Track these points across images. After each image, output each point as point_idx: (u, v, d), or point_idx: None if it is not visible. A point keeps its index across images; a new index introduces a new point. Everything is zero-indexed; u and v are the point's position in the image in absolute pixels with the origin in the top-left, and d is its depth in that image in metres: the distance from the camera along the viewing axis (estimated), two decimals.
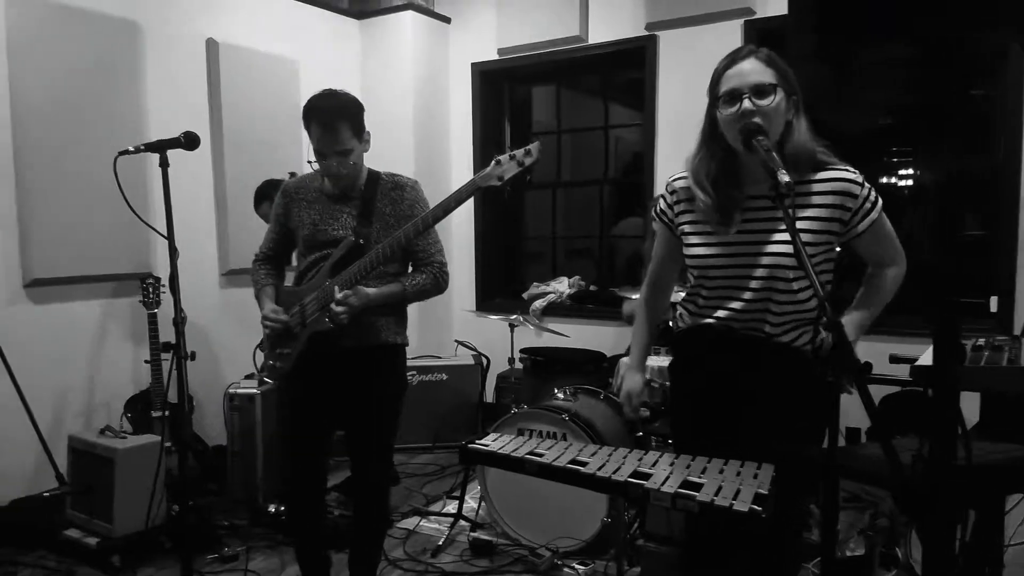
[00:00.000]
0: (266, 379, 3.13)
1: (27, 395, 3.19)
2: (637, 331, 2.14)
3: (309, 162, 2.36)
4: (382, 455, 2.55)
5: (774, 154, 1.60)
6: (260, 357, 2.64)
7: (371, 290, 2.33)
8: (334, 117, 2.28)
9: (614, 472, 1.63)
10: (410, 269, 2.52)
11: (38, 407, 3.28)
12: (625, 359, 2.21)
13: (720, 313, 1.85)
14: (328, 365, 2.43)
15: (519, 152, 2.14)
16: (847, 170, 1.79)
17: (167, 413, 3.43)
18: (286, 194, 2.53)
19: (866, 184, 1.79)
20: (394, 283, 2.42)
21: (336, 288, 2.27)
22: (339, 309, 2.25)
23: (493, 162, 2.17)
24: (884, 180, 4.18)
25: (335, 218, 2.43)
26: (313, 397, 2.49)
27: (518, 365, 4.28)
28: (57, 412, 3.52)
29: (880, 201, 1.80)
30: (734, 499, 1.48)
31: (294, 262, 2.60)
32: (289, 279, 2.63)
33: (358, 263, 2.29)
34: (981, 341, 2.19)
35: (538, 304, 4.93)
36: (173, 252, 2.11)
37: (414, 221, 2.28)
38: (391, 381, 2.53)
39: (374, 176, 2.48)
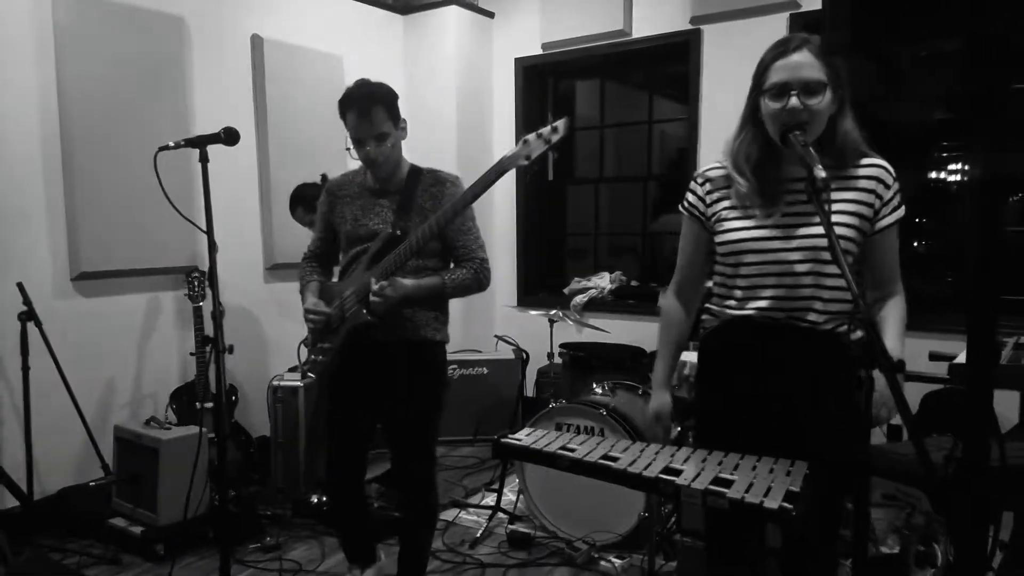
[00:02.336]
0: (309, 374, 3.15)
1: (74, 387, 3.26)
2: (662, 344, 2.03)
3: (347, 149, 2.36)
4: (424, 451, 2.53)
5: (811, 149, 1.57)
6: (304, 353, 2.67)
7: (408, 282, 2.31)
8: (369, 102, 2.29)
9: (645, 468, 1.61)
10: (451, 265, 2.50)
11: (85, 399, 3.37)
12: None
13: (761, 303, 1.77)
14: (367, 359, 2.44)
15: (545, 129, 2.12)
16: (885, 162, 1.78)
17: (210, 404, 3.51)
18: (330, 192, 2.55)
19: (897, 183, 1.77)
20: (434, 276, 2.40)
21: (373, 280, 2.27)
22: (376, 300, 2.25)
23: (520, 142, 2.15)
24: (934, 175, 4.06)
25: (375, 212, 2.44)
26: (353, 391, 2.51)
27: (558, 360, 4.27)
28: (103, 403, 3.61)
29: (904, 210, 1.77)
30: (764, 496, 1.44)
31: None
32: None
33: (393, 253, 2.29)
34: (1023, 339, 2.12)
35: (579, 299, 4.90)
36: (212, 246, 2.14)
37: (445, 207, 2.26)
38: (431, 378, 2.51)
39: (415, 171, 2.47)
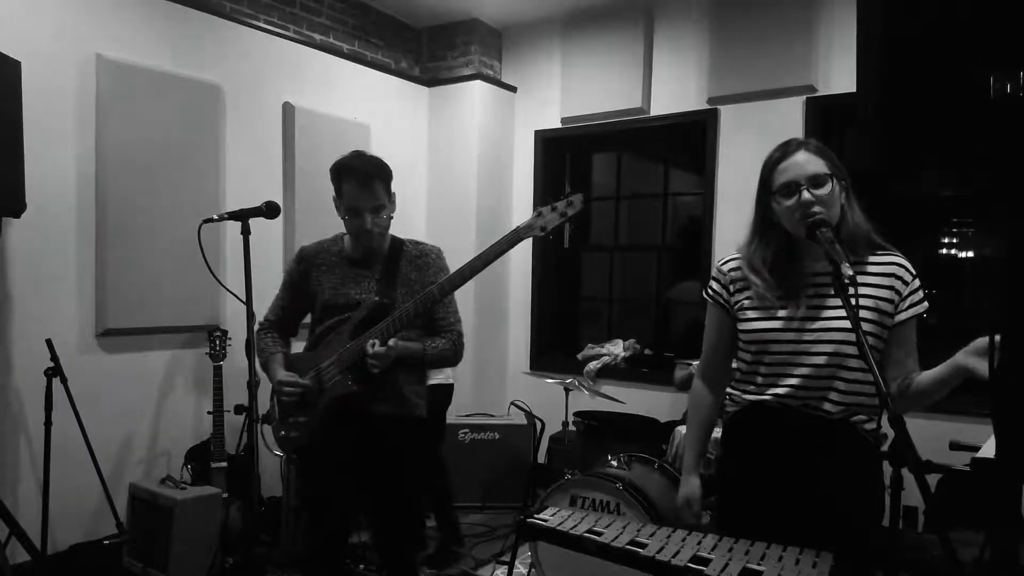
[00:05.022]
0: (276, 453, 3.09)
1: (92, 442, 3.28)
2: (690, 429, 2.08)
3: (343, 219, 2.39)
4: (409, 534, 2.51)
5: (837, 246, 1.64)
6: (267, 431, 2.57)
7: (400, 343, 2.31)
8: (370, 174, 2.33)
9: (673, 556, 1.62)
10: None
11: (102, 454, 3.37)
12: (681, 428, 2.18)
13: (779, 390, 1.82)
14: (349, 433, 2.40)
15: (560, 203, 2.18)
16: (901, 256, 1.84)
17: (224, 464, 3.51)
18: (303, 259, 2.52)
19: (918, 279, 1.82)
20: (416, 343, 2.40)
21: (370, 343, 2.25)
22: (373, 361, 2.24)
23: (535, 213, 2.20)
24: (944, 252, 4.12)
25: (356, 282, 2.43)
26: (334, 467, 2.44)
27: (572, 428, 4.27)
28: (120, 460, 3.62)
29: (927, 305, 1.82)
30: None
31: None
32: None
33: (386, 320, 2.27)
34: None
35: (592, 366, 4.93)
36: (251, 317, 2.18)
37: (454, 273, 2.27)
38: (416, 456, 2.51)
39: (398, 243, 2.49)
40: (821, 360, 1.78)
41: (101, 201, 3.49)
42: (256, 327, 2.59)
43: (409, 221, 5.08)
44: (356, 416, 2.38)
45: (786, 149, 1.82)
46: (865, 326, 1.75)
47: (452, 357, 2.48)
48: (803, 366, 1.79)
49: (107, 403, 3.55)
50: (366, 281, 2.42)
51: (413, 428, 2.48)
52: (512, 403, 4.58)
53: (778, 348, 1.83)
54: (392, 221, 2.45)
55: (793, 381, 1.80)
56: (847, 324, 1.75)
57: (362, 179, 2.32)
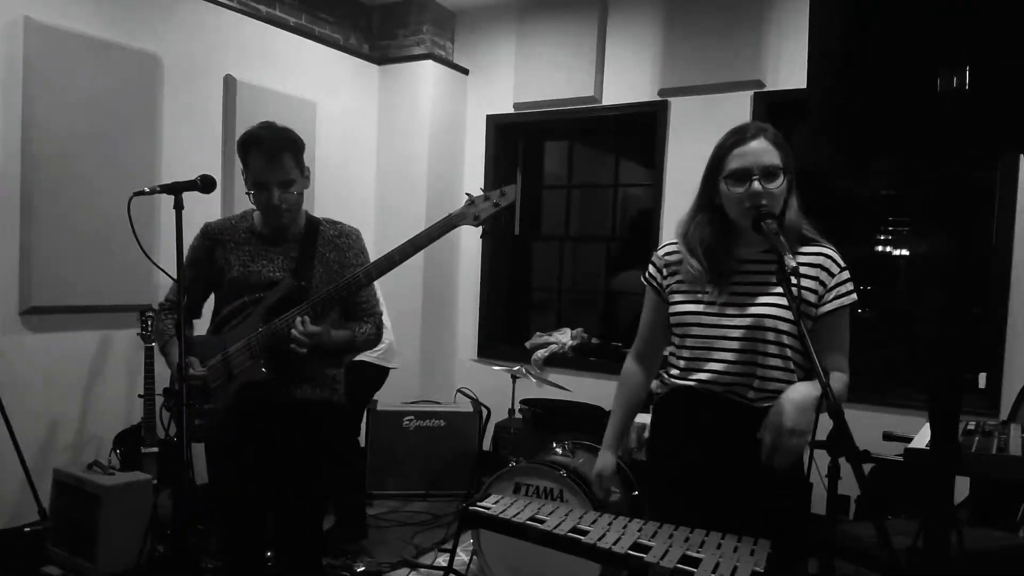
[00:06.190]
0: (175, 438, 2.92)
1: (15, 425, 3.13)
2: (615, 406, 2.08)
3: (248, 194, 2.24)
4: (316, 532, 2.42)
5: (781, 238, 1.65)
6: (166, 417, 2.42)
7: (332, 331, 2.22)
8: (278, 146, 2.19)
9: (614, 543, 1.61)
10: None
11: (25, 438, 3.22)
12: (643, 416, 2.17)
13: (702, 375, 1.83)
14: (264, 418, 2.27)
15: (494, 193, 2.14)
16: (831, 248, 1.84)
17: (155, 450, 3.39)
18: (207, 235, 2.35)
19: (847, 271, 1.81)
20: (346, 331, 2.31)
21: (299, 319, 2.12)
22: (302, 339, 2.11)
23: (467, 201, 2.16)
24: (880, 249, 4.24)
25: (269, 260, 2.29)
26: (245, 457, 2.31)
27: (518, 415, 4.25)
28: (45, 444, 3.47)
29: (855, 297, 1.81)
30: None
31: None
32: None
33: (306, 303, 2.17)
34: (972, 425, 2.21)
35: (540, 354, 4.92)
36: (181, 295, 2.08)
37: (382, 257, 2.17)
38: (327, 445, 2.41)
39: (314, 221, 2.37)
40: (743, 346, 1.78)
41: (27, 172, 3.31)
42: (156, 308, 2.45)
43: (357, 202, 4.98)
44: (270, 403, 2.26)
45: (744, 133, 1.80)
46: (783, 311, 1.76)
47: (375, 341, 2.42)
48: (723, 351, 1.80)
49: (32, 385, 3.39)
50: (280, 259, 2.29)
51: (333, 414, 2.39)
52: (459, 390, 4.55)
53: (699, 332, 1.84)
54: (304, 197, 2.32)
55: (714, 366, 1.81)
56: (767, 311, 1.77)
57: (269, 151, 2.18)
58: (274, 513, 2.38)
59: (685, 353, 1.88)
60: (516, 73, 5.00)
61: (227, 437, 2.30)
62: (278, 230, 2.30)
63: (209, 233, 2.36)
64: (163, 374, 3.42)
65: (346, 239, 2.37)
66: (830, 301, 1.80)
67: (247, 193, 2.25)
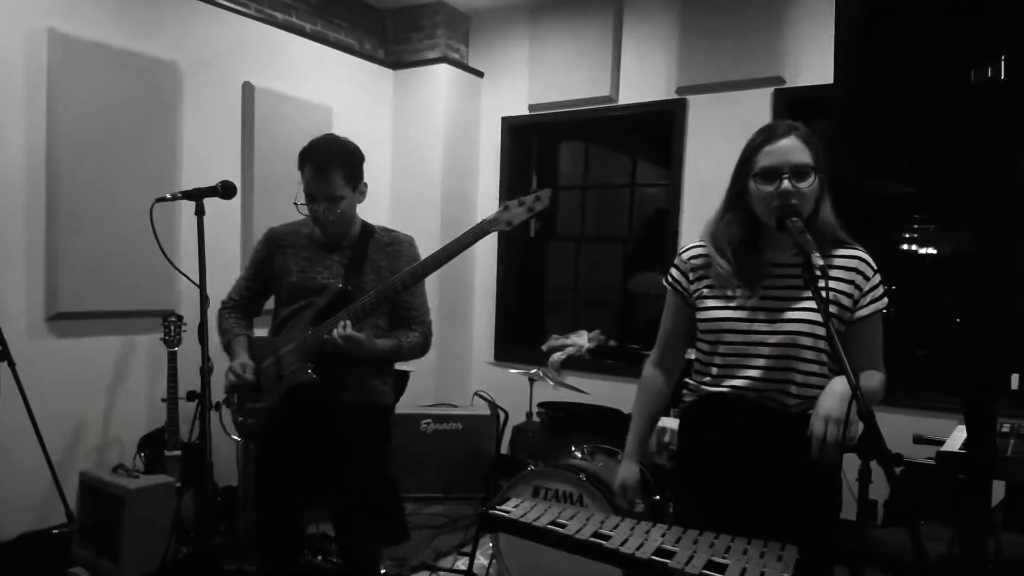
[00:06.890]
0: (234, 438, 3.01)
1: (42, 428, 3.15)
2: (636, 414, 2.04)
3: (296, 204, 2.31)
4: (369, 528, 2.46)
5: (808, 236, 1.61)
6: (227, 413, 2.50)
7: (375, 340, 2.26)
8: (330, 162, 2.24)
9: (637, 548, 1.60)
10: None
11: (52, 441, 3.25)
12: (666, 420, 2.14)
13: (736, 382, 1.80)
14: (307, 422, 2.32)
15: (528, 198, 2.15)
16: (863, 251, 1.81)
17: (178, 453, 3.42)
18: (270, 240, 2.45)
19: (879, 274, 1.79)
20: (390, 339, 2.35)
21: (342, 323, 2.16)
22: (339, 343, 2.15)
23: (501, 207, 2.17)
24: (905, 247, 4.18)
25: (324, 266, 2.36)
26: (289, 457, 2.37)
27: (535, 419, 4.24)
28: (70, 447, 3.51)
29: (887, 300, 1.79)
30: None
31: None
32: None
33: (347, 310, 2.21)
34: (1006, 427, 2.16)
35: (557, 357, 4.90)
36: (204, 301, 2.10)
37: (416, 265, 2.23)
38: (378, 446, 2.44)
39: (368, 228, 2.43)
40: (779, 352, 1.75)
41: (52, 180, 3.36)
42: (219, 306, 2.51)
43: (372, 206, 4.98)
44: (317, 405, 2.31)
45: (774, 132, 1.76)
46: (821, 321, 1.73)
47: (422, 350, 2.45)
48: (758, 357, 1.77)
49: (57, 389, 3.43)
50: (335, 265, 2.36)
51: (378, 416, 2.43)
52: (476, 393, 4.56)
53: (733, 337, 1.80)
54: (355, 209, 2.38)
55: (749, 372, 1.78)
56: (803, 316, 1.74)
57: (320, 166, 2.24)
58: (332, 522, 2.45)
59: (718, 360, 1.83)
60: (531, 74, 4.99)
61: (273, 436, 2.36)
62: (333, 237, 2.37)
63: (271, 238, 2.46)
64: (184, 376, 3.47)
65: (398, 246, 2.42)
66: (866, 305, 1.77)
67: (295, 204, 2.31)
